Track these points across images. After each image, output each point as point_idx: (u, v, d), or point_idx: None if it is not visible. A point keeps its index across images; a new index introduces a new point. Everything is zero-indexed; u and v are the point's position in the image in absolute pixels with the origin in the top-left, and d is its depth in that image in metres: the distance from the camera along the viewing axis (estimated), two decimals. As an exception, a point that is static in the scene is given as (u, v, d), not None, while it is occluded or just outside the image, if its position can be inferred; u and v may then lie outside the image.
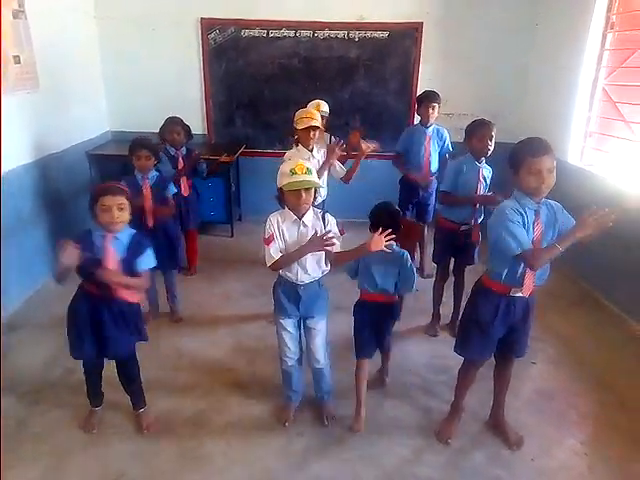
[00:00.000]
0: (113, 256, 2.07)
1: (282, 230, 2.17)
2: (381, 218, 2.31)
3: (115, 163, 4.34)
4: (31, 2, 3.49)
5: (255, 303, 3.60)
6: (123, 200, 2.07)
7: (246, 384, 2.76)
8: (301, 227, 2.17)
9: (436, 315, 3.33)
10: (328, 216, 2.24)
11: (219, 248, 4.62)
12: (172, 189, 3.21)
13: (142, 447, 2.32)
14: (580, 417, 2.58)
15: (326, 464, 2.25)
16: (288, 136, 3.60)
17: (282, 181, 2.11)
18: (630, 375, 2.90)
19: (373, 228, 2.31)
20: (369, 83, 4.93)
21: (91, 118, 4.68)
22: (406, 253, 2.41)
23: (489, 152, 2.89)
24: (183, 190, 3.61)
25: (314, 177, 2.12)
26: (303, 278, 2.24)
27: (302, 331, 2.43)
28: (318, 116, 3.13)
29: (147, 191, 3.03)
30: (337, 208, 2.85)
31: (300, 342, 2.45)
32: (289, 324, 2.35)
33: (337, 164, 3.25)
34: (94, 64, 4.75)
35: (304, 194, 2.08)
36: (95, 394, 2.44)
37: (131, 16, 4.67)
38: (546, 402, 2.69)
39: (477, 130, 2.87)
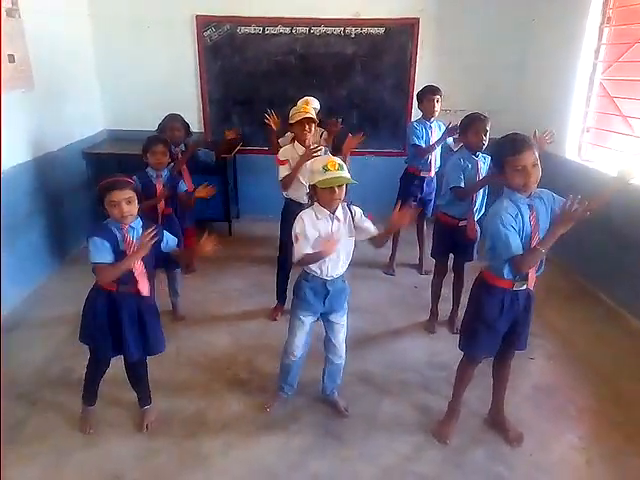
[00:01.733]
0: (133, 245, 2.08)
1: (317, 227, 2.18)
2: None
3: (111, 162, 4.32)
4: (25, 0, 3.46)
5: (253, 301, 3.61)
6: (131, 193, 2.05)
7: (245, 382, 2.76)
8: (335, 221, 2.20)
9: (434, 312, 3.33)
10: (353, 207, 2.29)
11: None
12: (183, 186, 3.25)
13: (141, 446, 2.32)
14: (578, 412, 2.59)
15: (325, 462, 2.25)
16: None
17: (315, 178, 2.11)
18: (628, 369, 2.91)
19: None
20: (365, 79, 4.91)
21: (87, 116, 4.66)
22: None
23: (484, 146, 2.89)
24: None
25: (346, 172, 2.14)
26: (333, 273, 2.26)
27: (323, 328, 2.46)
28: (312, 110, 3.08)
29: (160, 189, 3.03)
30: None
31: (309, 342, 2.48)
32: (309, 321, 2.38)
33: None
34: (89, 62, 4.72)
35: (337, 190, 2.11)
36: (94, 393, 2.44)
37: (125, 14, 4.64)
38: (544, 397, 2.69)
39: (473, 124, 2.88)
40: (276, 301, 3.45)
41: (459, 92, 4.79)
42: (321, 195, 2.15)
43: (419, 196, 3.88)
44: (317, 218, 2.19)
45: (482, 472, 2.22)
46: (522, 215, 2.02)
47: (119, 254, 2.06)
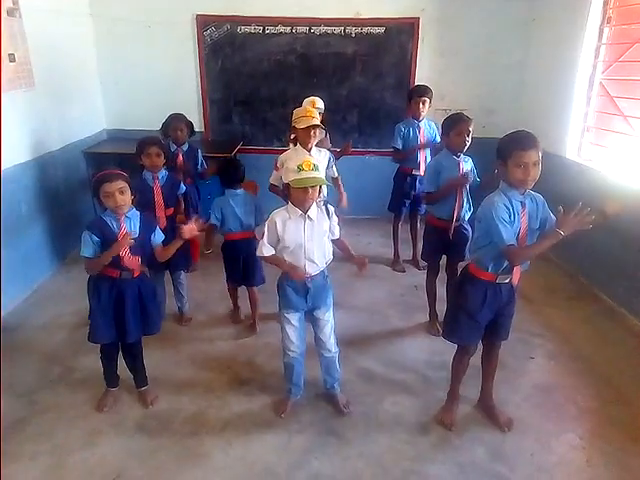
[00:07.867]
0: (127, 232, 2.22)
1: (287, 226, 2.21)
2: (227, 170, 3.08)
3: (111, 161, 4.30)
4: (26, 0, 3.46)
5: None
6: (122, 184, 2.18)
7: (246, 381, 2.76)
8: (307, 221, 2.21)
9: (433, 313, 3.29)
10: (329, 207, 2.31)
11: (219, 245, 4.59)
12: (182, 188, 3.22)
13: (141, 445, 2.32)
14: (579, 411, 2.59)
15: (326, 461, 2.25)
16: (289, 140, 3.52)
17: (289, 177, 2.13)
18: (628, 369, 2.90)
19: (222, 180, 3.03)
20: (366, 79, 4.92)
21: (87, 116, 4.66)
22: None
23: (466, 147, 2.90)
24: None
25: (320, 173, 2.16)
26: (310, 270, 2.27)
27: (310, 324, 2.47)
28: (317, 114, 3.06)
29: (158, 190, 3.01)
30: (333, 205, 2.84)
31: (304, 336, 2.47)
32: (295, 318, 2.39)
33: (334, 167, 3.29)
34: (90, 62, 4.72)
35: (310, 190, 2.12)
36: (113, 376, 2.56)
37: (126, 14, 4.65)
38: (545, 397, 2.69)
39: (456, 125, 2.87)
40: None
41: (459, 91, 4.80)
42: (294, 194, 2.16)
43: (413, 194, 3.93)
44: (289, 218, 2.21)
45: (483, 471, 2.22)
46: (514, 210, 2.07)
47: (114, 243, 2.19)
